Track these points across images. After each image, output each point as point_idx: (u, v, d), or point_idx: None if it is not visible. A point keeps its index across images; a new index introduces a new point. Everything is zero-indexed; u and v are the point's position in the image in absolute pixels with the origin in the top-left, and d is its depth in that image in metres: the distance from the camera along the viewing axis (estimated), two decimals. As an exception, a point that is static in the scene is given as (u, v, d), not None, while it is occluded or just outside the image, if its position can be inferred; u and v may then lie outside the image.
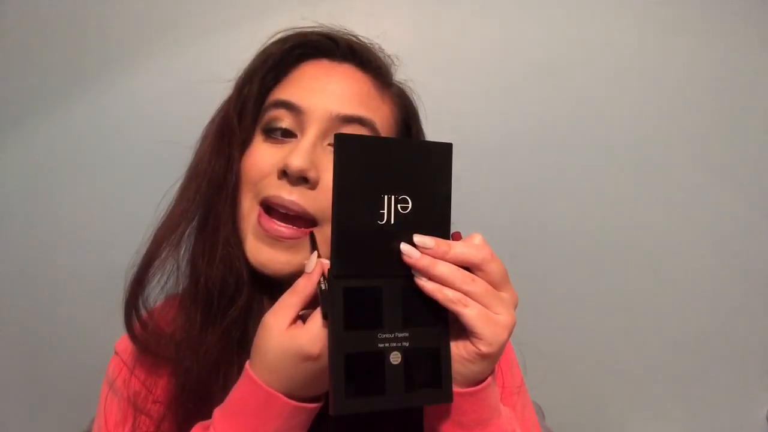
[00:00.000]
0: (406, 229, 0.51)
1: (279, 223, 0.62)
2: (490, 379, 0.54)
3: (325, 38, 0.69)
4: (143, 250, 0.66)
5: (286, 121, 0.64)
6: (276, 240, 0.62)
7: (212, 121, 0.71)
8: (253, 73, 0.68)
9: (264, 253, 0.62)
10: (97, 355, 0.73)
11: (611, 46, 1.08)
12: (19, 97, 1.05)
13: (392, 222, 0.51)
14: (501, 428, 0.54)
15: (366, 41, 0.73)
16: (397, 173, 0.51)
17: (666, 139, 1.10)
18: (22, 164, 1.07)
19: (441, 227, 0.53)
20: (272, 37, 0.71)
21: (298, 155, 0.60)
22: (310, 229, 0.61)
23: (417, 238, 0.51)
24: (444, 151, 0.53)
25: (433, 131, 1.08)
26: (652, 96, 1.09)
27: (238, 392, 0.53)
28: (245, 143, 0.66)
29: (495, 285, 0.51)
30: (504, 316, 0.50)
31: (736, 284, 1.12)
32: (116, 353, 0.69)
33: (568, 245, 1.14)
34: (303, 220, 0.62)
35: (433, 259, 0.50)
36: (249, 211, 0.64)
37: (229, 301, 0.63)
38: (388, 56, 0.75)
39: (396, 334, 0.51)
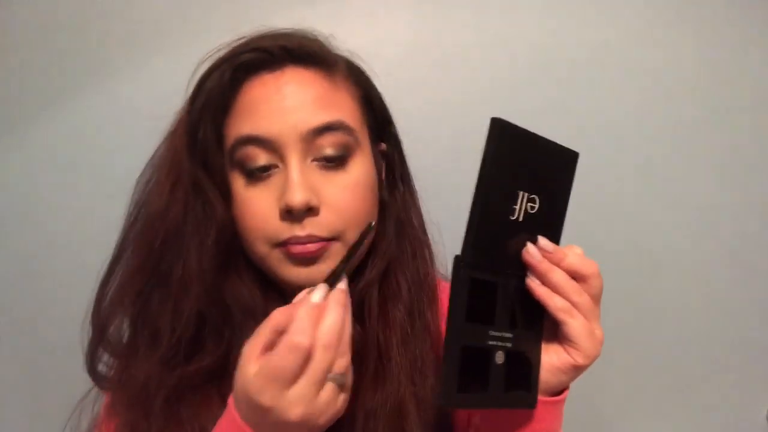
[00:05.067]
0: (530, 229, 0.51)
1: (304, 245, 0.60)
2: (567, 392, 0.54)
3: (257, 52, 0.63)
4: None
5: (261, 157, 0.60)
6: (311, 258, 0.60)
7: (168, 169, 0.65)
8: (200, 116, 0.63)
9: (303, 272, 0.61)
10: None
11: (613, 46, 1.08)
12: (13, 98, 1.05)
13: (521, 219, 0.50)
14: None
15: (295, 32, 0.67)
16: (533, 172, 0.51)
17: (667, 138, 1.10)
18: (20, 164, 1.06)
19: (556, 232, 0.53)
20: (200, 64, 0.67)
21: (294, 191, 0.57)
22: (333, 242, 0.61)
23: (542, 241, 0.51)
24: (572, 158, 0.53)
25: (432, 131, 1.07)
26: (654, 96, 1.09)
27: (219, 426, 0.52)
28: (221, 184, 0.63)
29: (594, 299, 0.52)
30: (600, 332, 0.51)
31: (737, 284, 1.12)
32: (105, 405, 0.68)
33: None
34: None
35: (551, 264, 0.50)
36: (268, 253, 0.62)
37: (200, 358, 0.62)
38: (320, 35, 0.68)
39: (503, 333, 0.50)
